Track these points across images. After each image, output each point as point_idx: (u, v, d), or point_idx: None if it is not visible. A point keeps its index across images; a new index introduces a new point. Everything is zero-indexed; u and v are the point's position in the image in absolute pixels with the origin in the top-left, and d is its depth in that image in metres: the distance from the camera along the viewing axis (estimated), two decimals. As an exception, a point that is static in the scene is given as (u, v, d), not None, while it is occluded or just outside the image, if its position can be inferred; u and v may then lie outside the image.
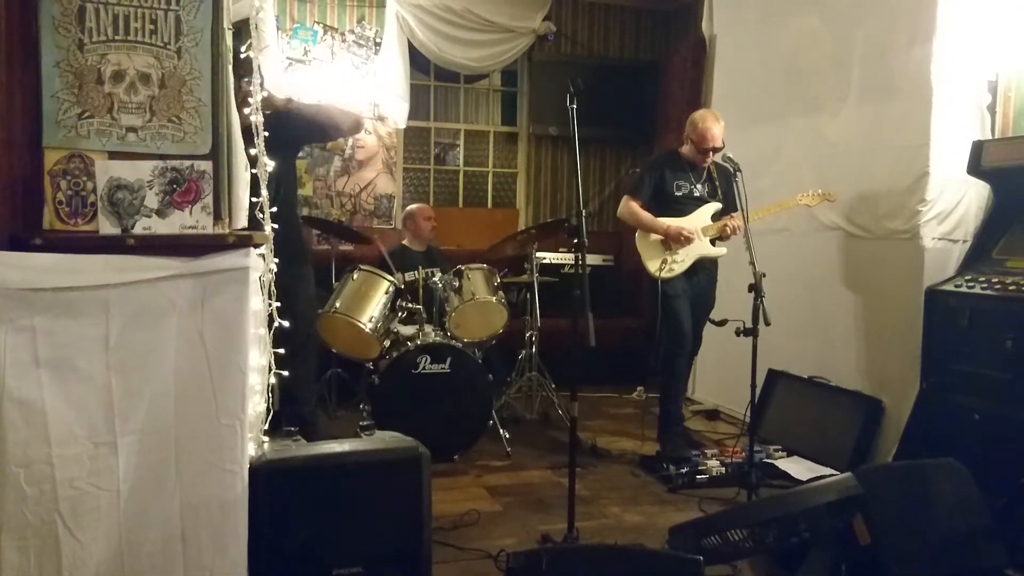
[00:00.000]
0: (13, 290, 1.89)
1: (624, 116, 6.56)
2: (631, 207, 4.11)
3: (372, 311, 4.10)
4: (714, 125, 3.98)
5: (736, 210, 3.95)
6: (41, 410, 1.93)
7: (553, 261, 5.93)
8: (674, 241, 4.01)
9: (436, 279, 4.42)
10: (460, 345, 4.17)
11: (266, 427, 2.35)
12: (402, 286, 4.26)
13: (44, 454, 1.94)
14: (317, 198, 5.99)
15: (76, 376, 1.96)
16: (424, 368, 4.02)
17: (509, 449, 4.24)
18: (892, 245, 3.91)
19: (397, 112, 5.98)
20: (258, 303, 2.23)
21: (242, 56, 2.35)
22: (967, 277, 3.44)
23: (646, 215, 4.07)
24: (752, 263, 3.45)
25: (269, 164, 2.41)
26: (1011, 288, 3.20)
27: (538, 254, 4.95)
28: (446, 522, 3.22)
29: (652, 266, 4.03)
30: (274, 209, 2.45)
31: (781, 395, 4.51)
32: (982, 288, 3.32)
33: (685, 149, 4.13)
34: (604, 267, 6.16)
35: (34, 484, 1.93)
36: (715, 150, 4.00)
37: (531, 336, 4.85)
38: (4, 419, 1.90)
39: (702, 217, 4.08)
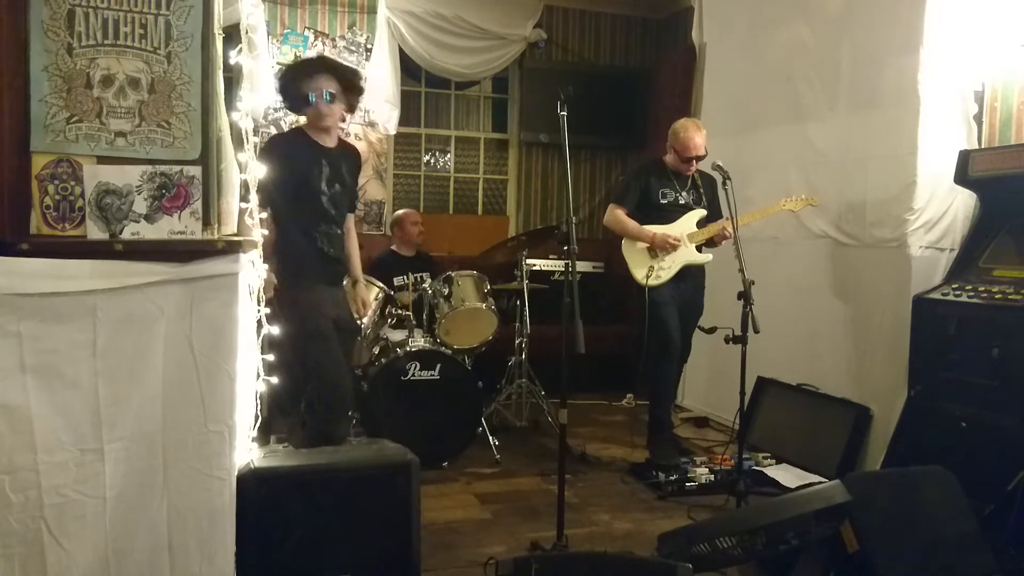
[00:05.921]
0: (-1, 295, 1.88)
1: (614, 124, 6.57)
2: (617, 215, 4.12)
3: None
4: (696, 134, 4.00)
5: (721, 218, 3.97)
6: (27, 416, 1.91)
7: (543, 268, 5.91)
8: (660, 248, 4.02)
9: (426, 285, 4.41)
10: (450, 352, 4.16)
11: (254, 434, 2.34)
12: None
13: (30, 461, 1.92)
14: (307, 204, 5.96)
15: (63, 382, 1.95)
16: (413, 375, 4.01)
17: (498, 456, 4.23)
18: (880, 253, 3.93)
19: (388, 118, 5.96)
20: (248, 309, 2.22)
21: (232, 62, 2.34)
22: (954, 285, 3.46)
23: (632, 223, 4.08)
24: (741, 271, 3.47)
25: (260, 169, 2.40)
26: (997, 297, 3.22)
27: (528, 261, 4.93)
28: (435, 529, 3.21)
29: (639, 273, 4.04)
30: None
31: (770, 402, 4.52)
32: (969, 296, 3.34)
33: (668, 158, 4.14)
34: (594, 274, 6.15)
35: (19, 491, 1.91)
36: (698, 159, 4.03)
37: (521, 343, 4.83)
38: (-11, 425, 1.88)
39: (687, 224, 4.09)
